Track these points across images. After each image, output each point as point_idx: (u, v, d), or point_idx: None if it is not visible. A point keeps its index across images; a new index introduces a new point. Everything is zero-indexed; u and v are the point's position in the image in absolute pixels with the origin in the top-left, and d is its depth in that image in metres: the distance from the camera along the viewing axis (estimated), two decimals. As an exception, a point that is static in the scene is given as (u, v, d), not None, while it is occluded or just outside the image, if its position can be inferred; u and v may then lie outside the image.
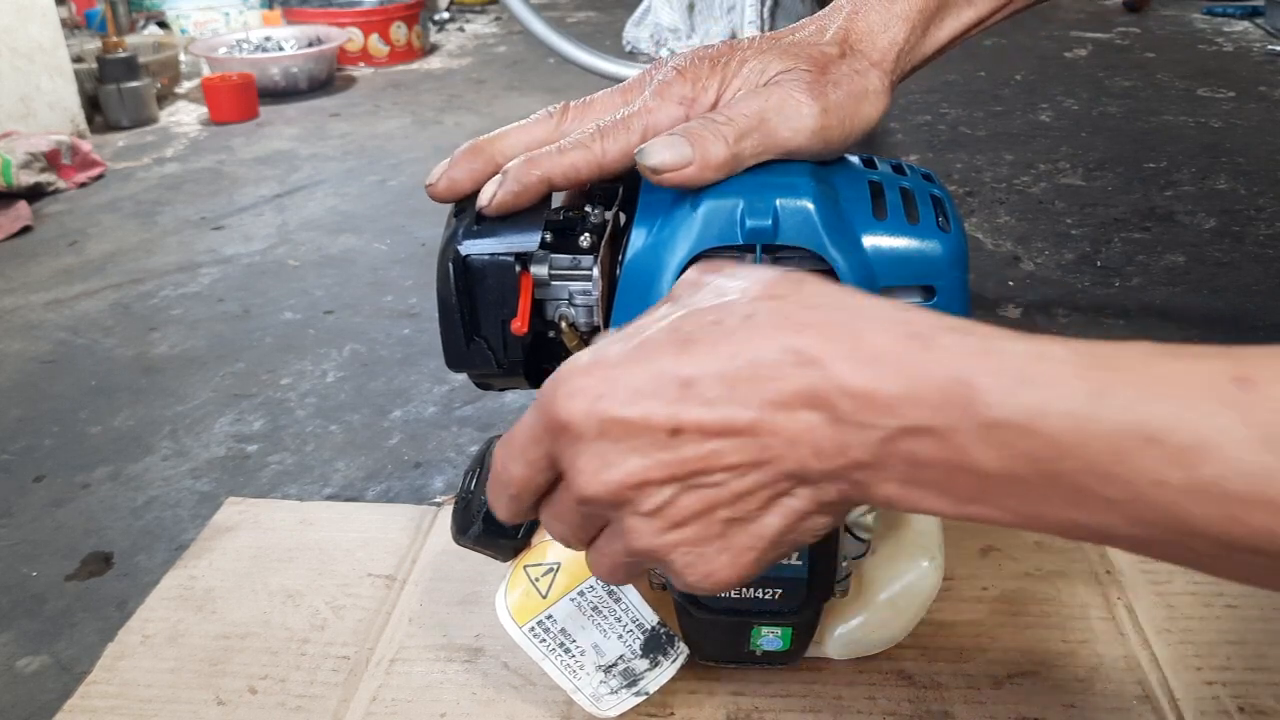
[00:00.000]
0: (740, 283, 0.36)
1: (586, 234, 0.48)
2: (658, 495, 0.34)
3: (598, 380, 0.34)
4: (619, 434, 0.34)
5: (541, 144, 0.48)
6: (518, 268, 0.47)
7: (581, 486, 0.35)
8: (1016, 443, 0.30)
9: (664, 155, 0.44)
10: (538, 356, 0.51)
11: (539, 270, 0.47)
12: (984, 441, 0.30)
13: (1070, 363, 0.30)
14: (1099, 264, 1.13)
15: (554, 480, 0.38)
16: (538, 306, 0.48)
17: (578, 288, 0.48)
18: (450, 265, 0.47)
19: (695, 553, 0.36)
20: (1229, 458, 0.27)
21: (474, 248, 0.47)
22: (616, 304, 0.46)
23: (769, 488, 0.34)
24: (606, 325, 0.47)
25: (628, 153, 0.46)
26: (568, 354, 0.50)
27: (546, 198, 0.48)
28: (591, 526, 0.38)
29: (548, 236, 0.47)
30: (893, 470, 0.32)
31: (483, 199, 0.47)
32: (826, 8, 0.50)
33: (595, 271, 0.47)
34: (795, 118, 0.45)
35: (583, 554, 0.51)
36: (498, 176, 0.47)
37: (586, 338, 0.49)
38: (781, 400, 0.32)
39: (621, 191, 0.50)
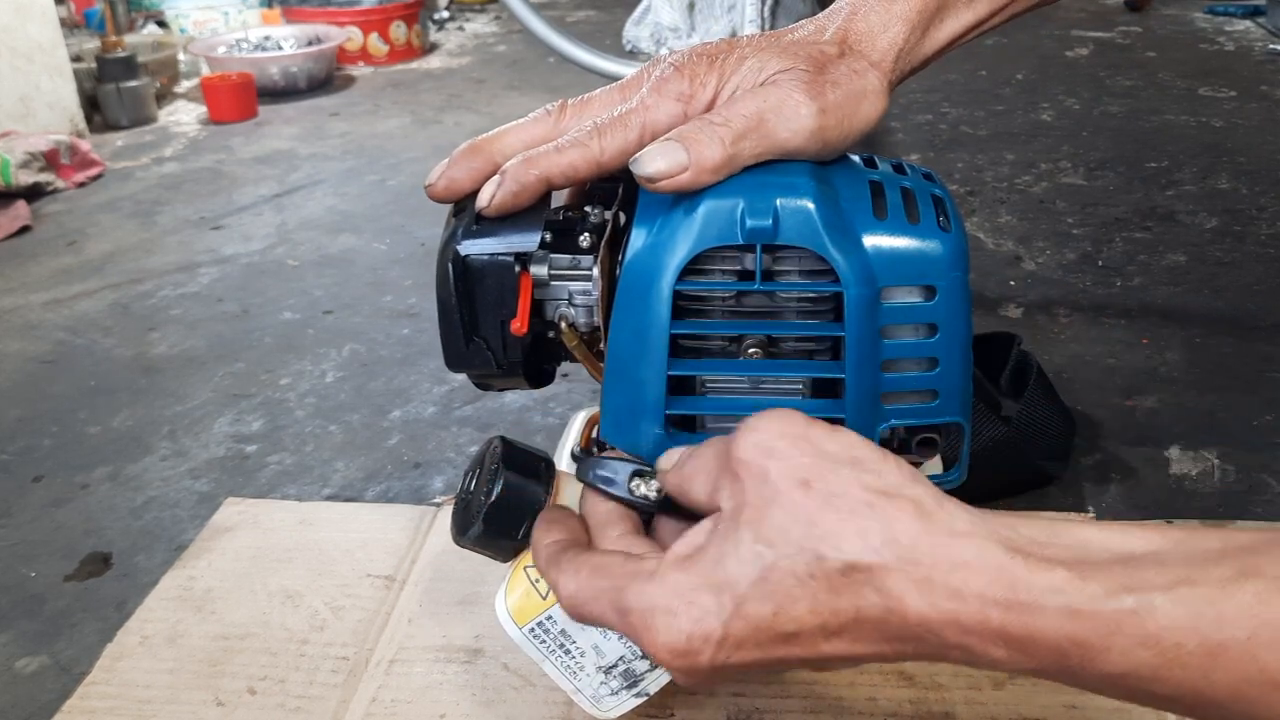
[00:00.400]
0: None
1: (586, 234, 0.47)
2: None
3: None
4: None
5: (540, 142, 0.48)
6: (517, 268, 0.47)
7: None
8: (1136, 687, 0.33)
9: (658, 164, 0.43)
10: (537, 357, 0.51)
11: (539, 270, 0.47)
12: (1103, 685, 0.33)
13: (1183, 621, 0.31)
14: (1100, 263, 1.13)
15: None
16: (537, 307, 0.48)
17: (577, 288, 0.48)
18: (449, 265, 0.47)
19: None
20: None
21: (473, 248, 0.47)
22: (616, 304, 0.46)
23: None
24: (606, 325, 0.47)
25: (626, 150, 0.45)
26: (568, 355, 0.50)
27: (546, 197, 0.48)
28: None
29: (547, 236, 0.47)
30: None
31: (481, 200, 0.47)
32: (826, 9, 0.50)
33: (595, 271, 0.47)
34: (794, 118, 0.44)
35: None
36: (496, 177, 0.47)
37: (586, 338, 0.49)
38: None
39: (621, 191, 0.50)
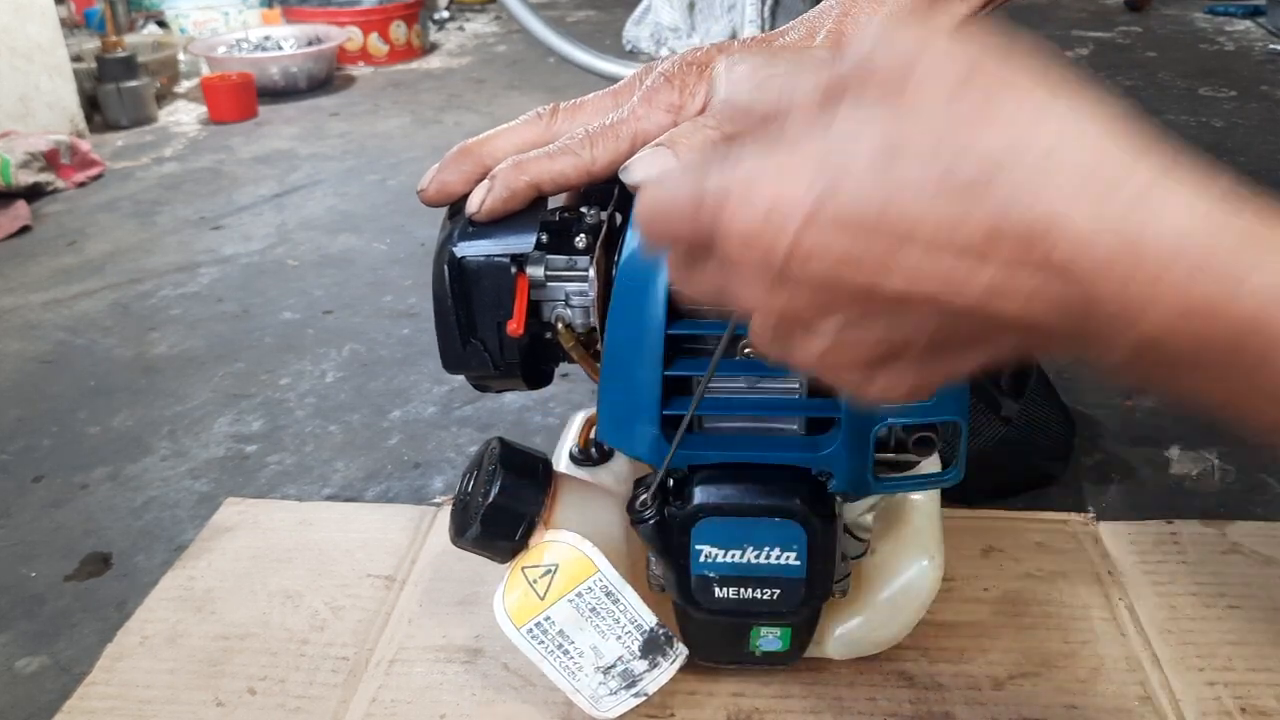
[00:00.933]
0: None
1: (582, 235, 0.47)
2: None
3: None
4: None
5: (531, 146, 0.48)
6: (513, 269, 0.47)
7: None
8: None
9: (648, 171, 0.44)
10: (534, 358, 0.51)
11: (535, 271, 0.47)
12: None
13: None
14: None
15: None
16: (534, 308, 0.48)
17: (574, 289, 0.48)
18: (446, 267, 0.47)
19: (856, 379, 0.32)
20: None
21: (469, 249, 0.47)
22: (613, 305, 0.46)
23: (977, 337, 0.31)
24: (603, 326, 0.47)
25: (617, 160, 0.46)
26: (565, 356, 0.50)
27: (541, 199, 0.48)
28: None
29: (543, 237, 0.47)
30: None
31: (471, 204, 0.47)
32: (816, 9, 0.50)
33: (591, 272, 0.47)
34: None
35: (580, 556, 0.51)
36: (486, 182, 0.47)
37: (583, 339, 0.49)
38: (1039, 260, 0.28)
39: (617, 191, 0.50)
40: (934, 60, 0.29)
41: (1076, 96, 0.29)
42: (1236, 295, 0.26)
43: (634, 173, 0.44)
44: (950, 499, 0.60)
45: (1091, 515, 0.72)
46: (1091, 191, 0.27)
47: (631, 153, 0.45)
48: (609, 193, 0.50)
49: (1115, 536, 0.70)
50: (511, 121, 0.50)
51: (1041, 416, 0.77)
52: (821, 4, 0.50)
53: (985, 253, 0.28)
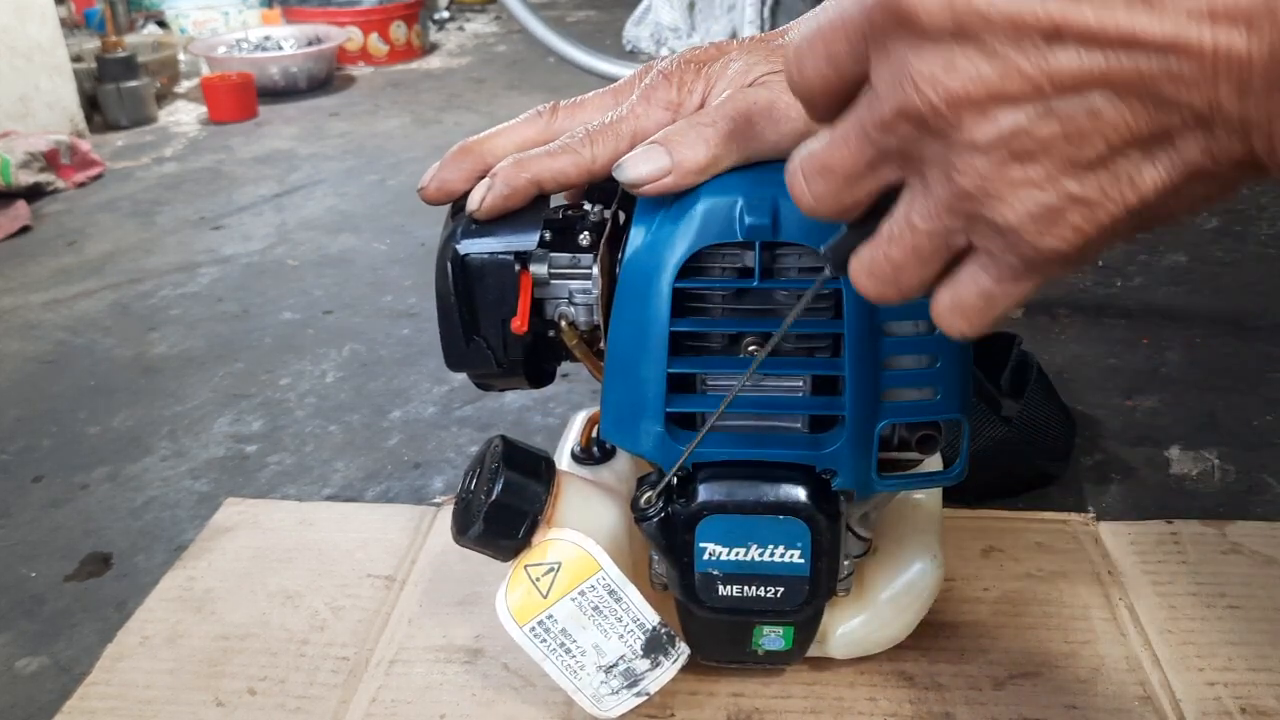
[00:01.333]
0: None
1: (586, 232, 0.47)
2: (1006, 117, 0.27)
3: None
4: (977, 30, 0.27)
5: (531, 144, 0.48)
6: (517, 266, 0.47)
7: (906, 96, 0.28)
8: None
9: (640, 169, 0.44)
10: (537, 356, 0.51)
11: (538, 269, 0.47)
12: None
13: None
14: (1100, 263, 1.13)
15: (852, 91, 0.31)
16: (537, 306, 0.48)
17: (577, 286, 0.48)
18: (449, 264, 0.47)
19: (1038, 200, 0.28)
20: None
21: (473, 246, 0.47)
22: (616, 302, 0.46)
23: (1158, 128, 0.27)
24: (606, 324, 0.47)
25: (616, 158, 0.46)
26: (568, 354, 0.50)
27: (543, 197, 0.48)
28: (880, 171, 0.31)
29: (547, 235, 0.47)
30: None
31: (472, 202, 0.47)
32: (816, 9, 0.50)
33: (595, 270, 0.47)
34: (783, 120, 0.44)
35: (583, 554, 0.51)
36: (486, 180, 0.47)
37: (586, 336, 0.49)
38: (1214, 11, 0.25)
39: (620, 189, 0.50)
40: None
41: None
42: None
43: (627, 170, 0.44)
44: (950, 499, 0.60)
45: (1091, 515, 0.72)
46: None
47: (630, 150, 0.45)
48: (612, 190, 0.50)
49: (1115, 536, 0.70)
50: (512, 120, 0.50)
51: (1041, 416, 0.77)
52: (822, 4, 0.50)
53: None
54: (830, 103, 0.32)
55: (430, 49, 2.26)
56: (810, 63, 0.31)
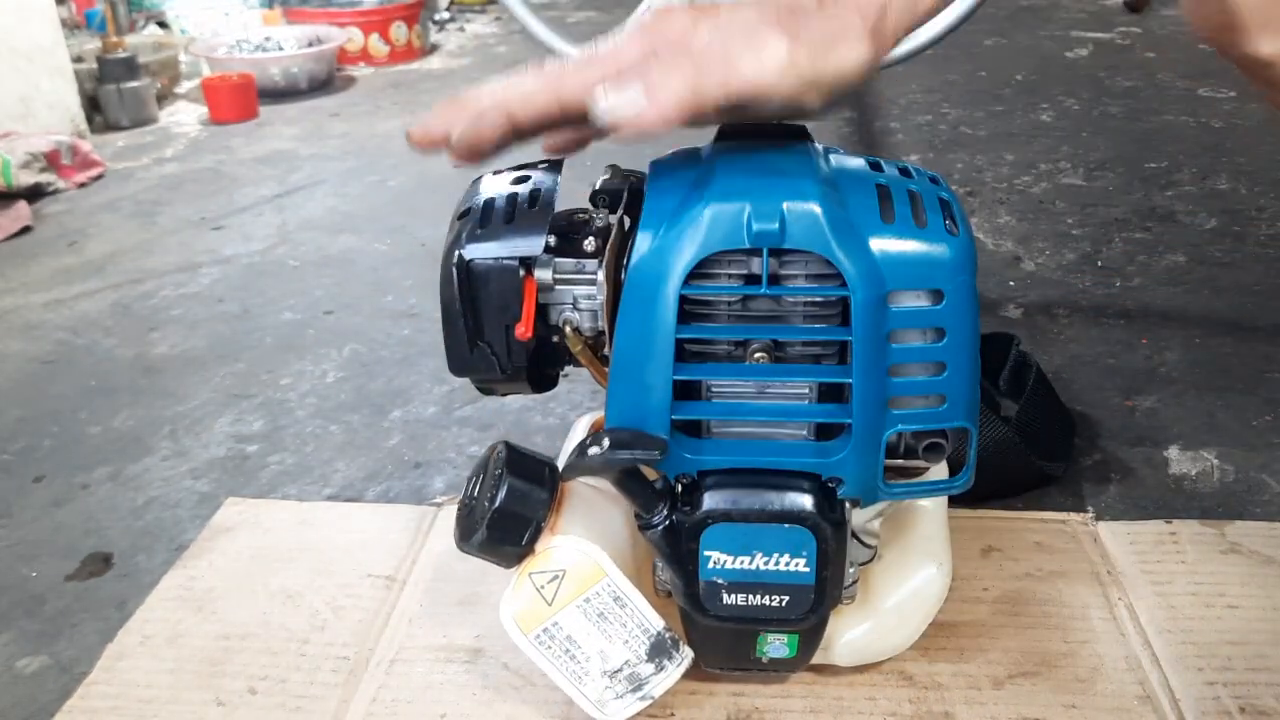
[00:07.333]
0: None
1: (591, 238, 0.47)
2: None
3: None
4: None
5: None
6: (521, 272, 0.47)
7: None
8: None
9: (612, 99, 0.41)
10: (541, 361, 0.51)
11: (543, 274, 0.47)
12: None
13: None
14: (1100, 264, 1.13)
15: None
16: (541, 311, 0.48)
17: (582, 292, 0.48)
18: (454, 269, 0.47)
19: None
20: None
21: (477, 251, 0.47)
22: (622, 308, 0.46)
23: None
24: (612, 330, 0.47)
25: (587, 87, 0.44)
26: (572, 360, 0.50)
27: (550, 205, 0.48)
28: None
29: (552, 240, 0.47)
30: None
31: (451, 139, 0.46)
32: None
33: (600, 276, 0.47)
34: (761, 49, 0.42)
35: (588, 561, 0.50)
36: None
37: (591, 342, 0.49)
38: None
39: (627, 194, 0.50)
40: None
41: None
42: None
43: (599, 100, 0.42)
44: (950, 499, 0.60)
45: (1091, 515, 0.72)
46: None
47: (601, 80, 0.44)
48: (618, 195, 0.50)
49: (1114, 536, 0.70)
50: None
51: (1041, 417, 0.77)
52: None
53: None
54: None
55: (431, 50, 2.26)
56: None
